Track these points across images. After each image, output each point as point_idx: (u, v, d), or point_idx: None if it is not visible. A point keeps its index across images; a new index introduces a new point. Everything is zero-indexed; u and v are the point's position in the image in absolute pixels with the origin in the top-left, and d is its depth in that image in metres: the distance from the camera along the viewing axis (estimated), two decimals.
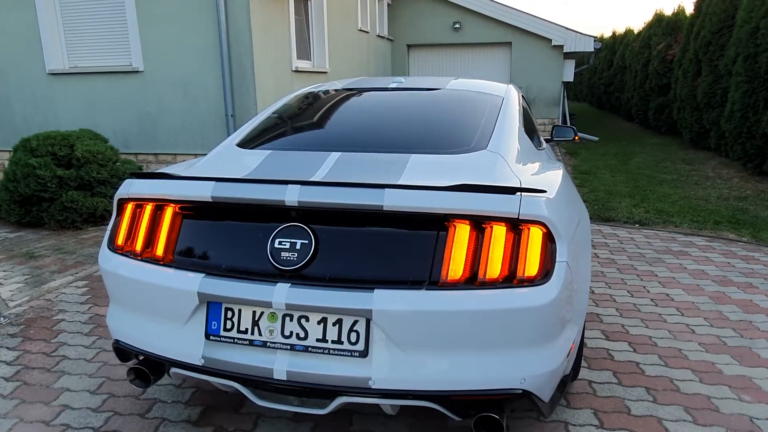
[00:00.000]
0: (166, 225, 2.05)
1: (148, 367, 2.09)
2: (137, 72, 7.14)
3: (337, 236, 1.86)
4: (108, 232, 2.22)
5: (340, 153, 2.27)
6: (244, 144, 2.58)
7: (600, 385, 2.72)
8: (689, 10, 16.25)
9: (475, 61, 13.25)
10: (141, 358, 2.17)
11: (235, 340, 1.88)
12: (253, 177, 2.08)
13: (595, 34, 13.11)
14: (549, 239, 1.82)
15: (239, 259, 1.91)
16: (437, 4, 12.90)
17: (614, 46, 20.83)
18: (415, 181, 1.99)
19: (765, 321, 3.44)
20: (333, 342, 1.81)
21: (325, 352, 1.81)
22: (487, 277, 1.79)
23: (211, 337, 1.91)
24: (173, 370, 2.03)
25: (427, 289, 1.77)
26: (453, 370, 1.78)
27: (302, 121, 2.73)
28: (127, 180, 2.16)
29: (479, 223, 1.81)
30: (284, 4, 7.58)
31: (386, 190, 1.80)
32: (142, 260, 2.06)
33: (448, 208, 1.78)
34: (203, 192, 1.95)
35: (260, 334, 1.86)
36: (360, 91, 3.04)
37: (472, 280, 1.79)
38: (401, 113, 2.67)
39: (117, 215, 2.21)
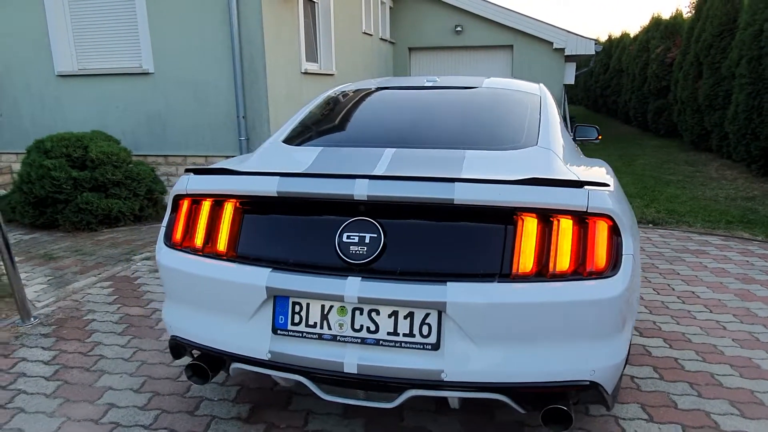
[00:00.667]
0: (227, 220, 2.05)
1: (207, 363, 2.08)
2: (147, 74, 7.11)
3: (406, 230, 1.87)
4: (164, 229, 2.22)
5: (394, 149, 2.29)
6: (291, 141, 2.59)
7: (642, 380, 2.74)
8: (686, 14, 16.44)
9: (477, 64, 13.32)
10: (198, 354, 2.17)
11: (304, 335, 1.89)
12: (315, 172, 2.09)
13: (594, 38, 13.22)
14: (614, 232, 1.84)
15: (306, 254, 1.92)
16: (438, 7, 12.96)
17: (610, 50, 20.99)
18: (477, 176, 2.01)
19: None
20: (404, 335, 1.81)
21: (397, 345, 1.82)
22: (557, 269, 1.80)
23: (279, 332, 1.91)
24: (234, 365, 2.03)
25: (499, 282, 1.78)
26: (524, 363, 1.79)
27: (346, 118, 2.74)
28: (184, 176, 2.16)
29: (546, 216, 1.83)
30: (294, 6, 7.59)
31: (456, 183, 1.81)
32: (203, 255, 2.06)
33: (518, 202, 1.79)
34: (268, 187, 1.95)
35: (329, 328, 1.87)
36: (397, 89, 3.06)
37: (542, 273, 1.80)
38: (446, 110, 2.68)
39: (173, 211, 2.21)
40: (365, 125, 2.61)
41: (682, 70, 11.61)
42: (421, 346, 1.81)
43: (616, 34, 21.60)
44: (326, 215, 1.93)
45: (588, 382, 1.82)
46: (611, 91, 20.23)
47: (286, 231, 1.97)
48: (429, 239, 1.85)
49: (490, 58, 13.20)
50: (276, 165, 2.27)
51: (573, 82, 12.82)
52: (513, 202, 1.80)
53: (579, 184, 1.81)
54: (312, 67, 8.44)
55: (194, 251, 2.09)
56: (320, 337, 1.87)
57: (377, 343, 1.83)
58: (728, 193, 7.52)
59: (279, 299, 1.92)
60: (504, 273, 1.80)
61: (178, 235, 2.16)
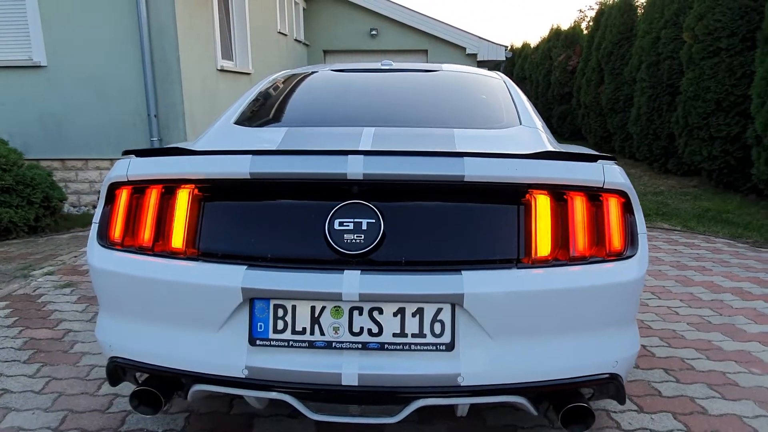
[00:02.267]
0: (182, 210, 1.68)
1: (159, 389, 1.69)
2: (39, 67, 6.28)
3: (408, 213, 1.61)
4: (96, 225, 1.80)
5: (373, 128, 2.02)
6: (245, 123, 2.24)
7: None
8: (582, 24, 17.55)
9: None
10: (144, 378, 1.76)
11: (290, 343, 1.56)
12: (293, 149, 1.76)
13: (504, 44, 13.70)
14: (627, 210, 1.70)
15: (289, 246, 1.60)
16: (353, 10, 12.82)
17: (514, 59, 21.98)
18: (471, 150, 1.79)
19: (734, 299, 3.61)
20: (413, 335, 1.55)
21: (405, 348, 1.55)
22: (576, 252, 1.63)
23: (258, 342, 1.58)
24: (196, 387, 1.66)
25: (518, 268, 1.57)
26: (546, 358, 1.59)
27: (307, 98, 2.44)
28: (123, 159, 1.76)
29: (560, 194, 1.65)
30: (207, 2, 7.08)
31: (466, 158, 1.58)
32: (153, 255, 1.67)
33: (534, 177, 1.60)
34: (238, 168, 1.61)
35: (323, 334, 1.56)
36: (357, 71, 2.79)
37: (560, 257, 1.62)
38: (418, 90, 2.47)
39: (107, 203, 1.79)
40: (333, 104, 2.32)
41: (585, 77, 12.27)
42: (434, 348, 1.55)
43: (518, 44, 22.66)
44: (311, 200, 1.63)
45: (609, 375, 1.65)
46: None
47: (261, 220, 1.64)
48: (436, 223, 1.60)
49: (405, 61, 13.24)
50: (237, 146, 1.92)
51: None
52: (529, 178, 1.60)
53: (593, 157, 1.66)
54: (228, 64, 7.93)
55: (140, 250, 1.70)
56: (311, 345, 1.56)
57: (381, 347, 1.55)
58: (638, 189, 7.95)
59: (257, 302, 1.58)
60: (521, 258, 1.60)
61: (117, 231, 1.75)
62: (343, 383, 1.53)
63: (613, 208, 1.68)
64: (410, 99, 2.37)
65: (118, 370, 1.75)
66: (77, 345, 2.95)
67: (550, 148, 1.94)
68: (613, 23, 10.85)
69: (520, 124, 2.19)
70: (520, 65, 20.40)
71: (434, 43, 12.80)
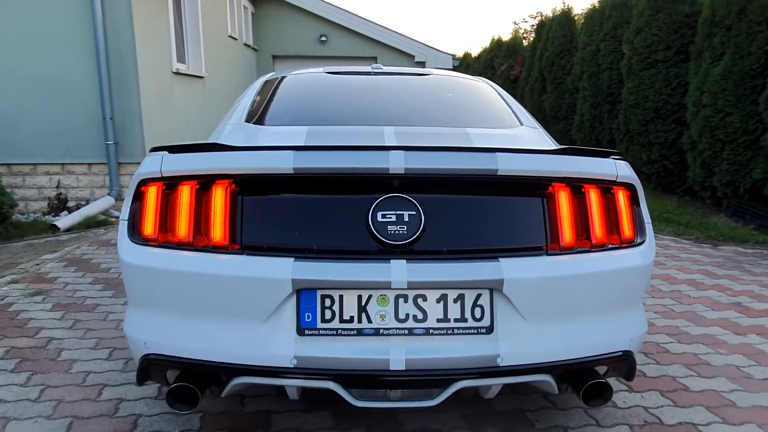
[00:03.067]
0: (221, 205, 1.70)
1: (197, 383, 1.69)
2: None
3: (445, 205, 1.71)
4: (126, 222, 1.78)
5: (392, 126, 2.11)
6: (259, 121, 2.27)
7: None
8: (522, 35, 18.28)
9: None
10: (178, 375, 1.76)
11: (339, 332, 1.62)
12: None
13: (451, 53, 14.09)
14: (634, 201, 1.87)
15: (335, 238, 1.66)
16: (303, 16, 12.82)
17: (456, 69, 22.59)
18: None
19: (690, 289, 3.94)
20: (456, 320, 1.65)
21: (449, 332, 1.64)
22: (595, 240, 1.78)
23: (306, 332, 1.62)
24: (238, 380, 1.68)
25: (548, 255, 1.70)
26: (573, 338, 1.73)
27: (315, 99, 2.49)
28: (154, 155, 1.75)
29: (578, 187, 1.80)
30: (162, 1, 6.92)
31: (498, 153, 1.70)
32: (194, 250, 1.68)
33: (559, 171, 1.74)
34: (281, 163, 1.65)
35: (370, 321, 1.63)
36: (352, 74, 2.87)
37: (584, 244, 1.77)
38: (419, 92, 2.57)
39: (136, 200, 1.78)
40: (344, 105, 2.39)
41: (528, 86, 12.82)
42: (475, 331, 1.65)
43: (459, 53, 23.29)
44: (353, 193, 1.69)
45: (624, 353, 1.81)
46: None
47: (305, 213, 1.68)
48: (472, 214, 1.71)
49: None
50: (264, 143, 1.95)
51: None
52: (554, 172, 1.74)
53: (606, 154, 1.82)
54: (182, 67, 7.76)
55: (179, 246, 1.70)
56: (359, 332, 1.62)
57: (427, 332, 1.64)
58: None
59: (304, 293, 1.63)
60: (549, 246, 1.73)
61: (149, 228, 1.74)
62: (391, 368, 1.61)
63: (623, 199, 1.85)
64: (415, 100, 2.47)
65: (152, 367, 1.74)
66: (64, 352, 2.84)
67: (559, 146, 2.09)
68: (554, 35, 11.42)
69: (521, 124, 2.35)
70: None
71: (383, 50, 13.00)
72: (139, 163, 5.40)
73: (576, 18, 11.53)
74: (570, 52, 10.99)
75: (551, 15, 12.28)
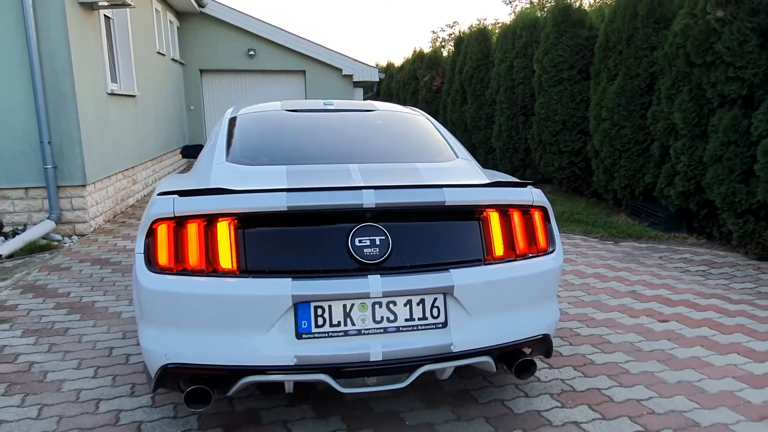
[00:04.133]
0: (227, 238, 2.09)
1: (210, 385, 2.08)
2: None
3: (406, 230, 2.19)
4: (142, 255, 2.12)
5: (356, 164, 2.57)
6: (240, 161, 2.65)
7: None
8: (436, 42, 19.22)
9: (272, 87, 13.64)
10: (190, 379, 2.12)
11: (329, 334, 2.06)
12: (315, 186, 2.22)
13: (375, 65, 14.67)
14: (546, 219, 2.45)
15: (323, 260, 2.09)
16: (230, 30, 12.95)
17: (381, 81, 23.23)
18: (437, 182, 2.43)
19: (596, 281, 4.66)
20: (419, 319, 2.13)
21: (414, 328, 2.12)
22: (519, 251, 2.33)
23: (303, 336, 2.05)
24: (247, 379, 2.07)
25: (485, 265, 2.23)
26: (506, 326, 2.26)
27: (284, 138, 2.89)
28: (165, 198, 2.11)
29: (505, 211, 2.35)
30: (96, 20, 6.99)
31: (445, 188, 2.21)
32: (206, 275, 2.06)
33: (490, 200, 2.27)
34: (276, 203, 2.07)
35: (353, 324, 2.08)
36: (309, 111, 3.29)
37: (510, 255, 2.31)
38: (370, 130, 3.04)
39: (149, 236, 2.13)
40: (311, 144, 2.81)
41: (450, 97, 13.64)
42: (434, 326, 2.15)
43: (383, 63, 23.99)
44: (335, 224, 2.14)
45: (543, 335, 2.37)
46: None
47: (297, 241, 2.11)
48: (428, 235, 2.20)
49: (284, 81, 13.65)
50: (250, 183, 2.35)
51: None
52: (487, 200, 2.27)
53: (524, 184, 2.37)
54: (115, 87, 7.80)
55: (193, 273, 2.07)
56: (346, 333, 2.07)
57: (397, 330, 2.11)
58: None
59: (300, 306, 2.05)
60: (486, 257, 2.26)
61: (164, 259, 2.10)
62: (371, 359, 2.07)
63: (538, 218, 2.41)
64: (369, 137, 2.94)
65: (171, 375, 2.09)
66: (50, 374, 3.07)
67: (486, 179, 2.63)
68: (472, 50, 12.27)
69: (457, 157, 2.88)
70: (386, 84, 21.70)
71: (312, 64, 13.38)
72: (81, 186, 5.62)
73: (492, 32, 12.42)
74: (487, 67, 11.87)
75: (468, 31, 13.18)
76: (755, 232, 5.16)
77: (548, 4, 27.21)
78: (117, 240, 6.19)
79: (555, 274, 2.38)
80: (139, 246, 2.14)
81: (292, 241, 2.12)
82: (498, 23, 27.77)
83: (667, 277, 4.75)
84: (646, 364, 3.13)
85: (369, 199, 2.12)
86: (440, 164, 2.73)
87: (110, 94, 7.39)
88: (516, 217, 2.35)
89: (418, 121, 3.37)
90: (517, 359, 2.30)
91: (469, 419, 2.58)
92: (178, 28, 12.68)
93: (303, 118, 3.18)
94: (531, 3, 28.25)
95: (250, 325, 2.04)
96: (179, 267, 2.09)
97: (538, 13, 10.46)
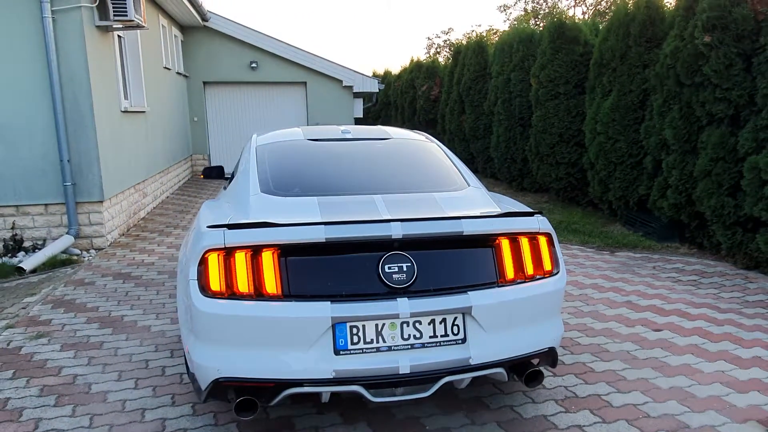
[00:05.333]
0: (271, 266, 2.37)
1: (256, 396, 2.35)
2: None
3: (429, 257, 2.48)
4: (195, 281, 2.39)
5: (380, 195, 2.85)
6: (274, 193, 2.92)
7: None
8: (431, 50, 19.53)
9: (273, 99, 13.92)
10: (237, 391, 2.39)
11: (363, 351, 2.34)
12: (334, 220, 2.51)
13: (373, 76, 14.97)
14: (551, 244, 2.74)
15: (356, 285, 2.38)
16: (233, 43, 13.23)
17: (380, 91, 23.55)
18: (458, 212, 2.71)
19: (594, 292, 4.96)
20: (441, 336, 2.41)
21: (437, 344, 2.41)
22: (528, 273, 2.62)
23: (341, 353, 2.33)
24: (289, 391, 2.35)
25: (498, 287, 2.51)
26: (518, 341, 2.55)
27: (311, 169, 3.17)
28: (215, 231, 2.39)
29: (514, 238, 2.63)
30: (111, 42, 7.26)
31: (463, 220, 2.49)
32: (255, 300, 2.33)
33: (502, 229, 2.56)
34: (316, 235, 2.35)
35: (384, 341, 2.36)
36: (330, 140, 3.57)
37: (520, 277, 2.60)
38: (389, 160, 3.33)
39: (201, 264, 2.40)
40: (335, 175, 3.09)
41: (448, 107, 13.97)
42: (454, 342, 2.43)
43: (380, 71, 24.32)
44: (367, 252, 2.42)
45: (550, 348, 2.66)
46: (381, 122, 22.77)
47: (334, 269, 2.39)
48: (447, 262, 2.49)
49: (286, 93, 13.93)
50: (287, 215, 2.63)
51: (362, 116, 14.31)
52: (498, 230, 2.56)
53: (531, 214, 2.67)
54: (127, 105, 8.06)
55: (242, 297, 2.35)
56: (378, 350, 2.35)
57: (423, 346, 2.39)
58: None
59: (338, 325, 2.33)
60: (499, 280, 2.54)
61: (216, 285, 2.37)
62: (400, 372, 2.35)
63: (543, 244, 2.70)
64: (388, 167, 3.23)
65: (222, 387, 2.37)
66: (94, 386, 3.33)
67: (497, 207, 2.91)
68: (470, 62, 12.61)
69: (468, 185, 3.17)
70: (384, 91, 22.04)
71: (313, 76, 13.67)
72: (98, 202, 5.93)
73: (486, 35, 12.72)
74: (484, 78, 12.20)
75: (466, 43, 13.51)
76: (743, 243, 5.48)
77: (542, 12, 27.66)
78: (134, 254, 6.45)
79: (559, 293, 2.67)
80: (192, 273, 2.41)
81: (329, 268, 2.40)
82: (492, 30, 28.24)
83: (660, 287, 5.05)
84: (642, 371, 3.42)
85: (397, 231, 2.40)
86: (454, 193, 3.02)
87: (124, 111, 7.65)
88: (525, 243, 2.63)
89: (431, 148, 3.66)
90: (527, 370, 2.58)
91: (483, 423, 2.87)
92: (182, 42, 12.95)
93: (324, 148, 3.46)
94: (525, 11, 28.68)
95: (293, 343, 2.32)
96: (229, 292, 2.37)
97: (532, 21, 10.78)
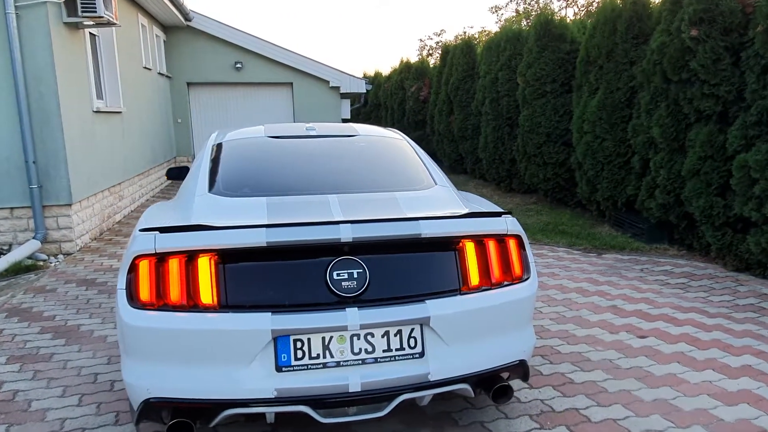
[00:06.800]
0: (207, 273, 2.14)
1: (192, 417, 2.11)
2: None
3: (384, 262, 2.25)
4: (124, 291, 2.16)
5: (335, 195, 2.62)
6: (222, 192, 2.69)
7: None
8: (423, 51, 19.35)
9: (259, 100, 13.69)
10: (173, 413, 2.16)
11: (309, 366, 2.10)
12: (282, 221, 2.29)
13: (361, 77, 14.76)
14: (521, 246, 2.51)
15: (301, 294, 2.14)
16: (217, 43, 12.99)
17: (368, 92, 23.36)
18: (418, 213, 2.49)
19: (578, 296, 4.74)
20: (396, 350, 2.18)
21: (391, 359, 2.18)
22: (494, 279, 2.39)
23: (283, 369, 2.09)
24: (228, 412, 2.11)
25: (461, 295, 2.29)
26: (483, 354, 2.32)
27: (265, 167, 2.94)
28: (146, 235, 2.15)
29: (480, 240, 2.41)
30: (81, 39, 7.00)
31: (421, 221, 2.27)
32: (188, 311, 2.10)
33: (465, 231, 2.34)
34: (256, 238, 2.12)
35: (332, 356, 2.13)
36: (291, 137, 3.34)
37: (486, 284, 2.37)
38: (351, 157, 3.10)
39: (131, 272, 2.17)
40: (290, 173, 2.86)
41: (437, 107, 13.76)
42: (411, 356, 2.20)
43: (370, 72, 24.13)
44: (312, 258, 2.19)
45: (520, 361, 2.43)
46: (372, 123, 22.56)
47: (276, 276, 2.16)
48: (404, 267, 2.26)
49: (272, 94, 13.70)
50: (231, 217, 2.40)
51: (349, 117, 14.09)
52: (462, 232, 2.33)
53: (499, 214, 2.44)
54: (101, 104, 7.81)
55: (174, 308, 2.11)
56: (324, 366, 2.12)
57: (375, 360, 2.16)
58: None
59: (280, 339, 2.10)
60: (461, 288, 2.32)
61: (146, 295, 2.14)
62: (350, 390, 2.11)
63: (512, 246, 2.47)
64: (350, 166, 2.99)
65: (154, 409, 2.13)
66: (34, 403, 3.08)
67: (465, 208, 2.69)
68: (458, 62, 12.41)
69: (436, 184, 2.94)
70: (374, 93, 21.83)
71: (299, 76, 13.44)
72: (66, 205, 5.63)
73: (478, 36, 12.53)
74: (473, 78, 12.01)
75: (455, 43, 13.32)
76: (732, 245, 5.28)
77: (533, 13, 27.53)
78: (103, 259, 6.19)
79: (530, 300, 2.44)
80: (121, 282, 2.18)
81: (272, 276, 2.16)
82: (484, 31, 28.08)
83: (647, 291, 4.83)
84: (624, 381, 3.20)
85: (346, 234, 2.17)
86: (419, 192, 2.79)
87: (96, 111, 7.40)
88: (491, 246, 2.41)
89: (398, 145, 3.44)
90: (495, 384, 2.36)
91: None
92: (164, 42, 12.70)
93: (285, 145, 3.23)
94: (517, 12, 28.53)
95: (230, 359, 2.08)
96: (160, 302, 2.13)
97: (524, 23, 10.59)
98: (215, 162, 3.05)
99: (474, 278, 2.35)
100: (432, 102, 14.37)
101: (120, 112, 8.62)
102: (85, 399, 3.11)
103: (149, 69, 10.88)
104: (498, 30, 12.11)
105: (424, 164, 3.18)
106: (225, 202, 2.59)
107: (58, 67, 6.12)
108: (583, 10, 25.80)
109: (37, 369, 3.49)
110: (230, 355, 2.08)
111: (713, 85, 5.19)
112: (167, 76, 12.71)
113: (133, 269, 2.16)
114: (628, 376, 3.28)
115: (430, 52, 33.53)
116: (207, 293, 2.12)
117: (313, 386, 2.09)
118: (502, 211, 2.46)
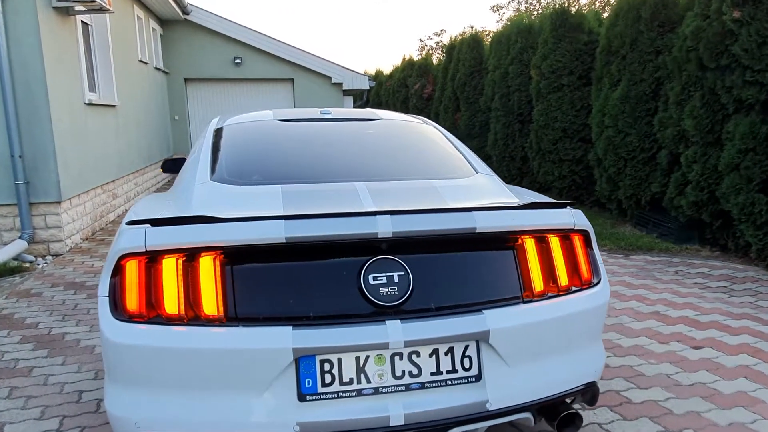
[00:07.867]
0: (210, 277, 1.70)
1: None
2: None
3: (430, 264, 1.82)
4: (107, 298, 1.73)
5: (363, 183, 2.19)
6: (228, 180, 2.26)
7: None
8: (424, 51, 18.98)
9: (259, 96, 13.26)
10: None
11: (339, 394, 1.67)
12: (299, 213, 1.86)
13: (364, 73, 14.35)
14: (588, 245, 2.09)
15: (328, 303, 1.71)
16: (215, 38, 12.56)
17: (371, 88, 22.94)
18: (461, 203, 2.06)
19: (614, 301, 4.32)
20: (448, 372, 1.76)
21: (442, 384, 1.75)
22: (561, 284, 1.96)
23: (307, 398, 1.66)
24: None
25: (524, 303, 1.86)
26: (550, 375, 1.89)
27: (278, 152, 2.51)
28: (135, 229, 1.72)
29: (542, 237, 1.98)
30: (72, 27, 6.57)
31: (476, 213, 1.84)
32: (186, 325, 1.67)
33: (528, 225, 1.91)
34: (273, 233, 1.69)
35: (369, 381, 1.69)
36: (304, 120, 2.91)
37: (553, 290, 1.94)
38: (377, 142, 2.67)
39: (115, 275, 1.73)
40: (308, 159, 2.43)
41: (442, 104, 13.34)
42: (465, 380, 1.77)
43: (371, 70, 23.72)
44: (343, 257, 1.76)
45: (590, 383, 2.00)
46: None
47: (297, 281, 1.72)
48: (455, 269, 1.83)
49: (272, 90, 13.27)
50: (239, 208, 1.97)
51: None
52: (523, 226, 1.90)
53: (564, 205, 2.01)
54: (93, 97, 7.37)
55: (169, 321, 1.68)
56: (359, 393, 1.68)
57: (422, 386, 1.73)
58: None
59: (303, 360, 1.67)
60: (524, 294, 1.89)
61: (134, 304, 1.70)
62: (391, 424, 1.68)
63: (578, 245, 2.05)
64: (376, 151, 2.57)
65: None
66: (7, 427, 2.65)
67: (515, 198, 2.27)
68: (465, 57, 11.99)
69: (477, 172, 2.52)
70: (375, 91, 21.40)
71: (300, 72, 13.02)
72: (56, 202, 5.10)
73: (484, 37, 12.15)
74: (480, 74, 11.59)
75: (461, 37, 12.91)
76: None
77: (536, 12, 27.16)
78: (94, 260, 5.75)
79: (602, 309, 2.02)
80: (103, 287, 1.74)
81: (292, 281, 1.73)
82: (485, 31, 27.63)
83: (688, 295, 4.42)
84: (690, 402, 2.78)
85: (385, 227, 1.73)
86: (459, 180, 2.37)
87: (88, 104, 6.96)
88: (555, 244, 1.98)
89: (427, 130, 3.01)
90: (561, 412, 1.93)
91: None
92: (161, 35, 12.27)
93: (298, 128, 2.80)
94: (518, 11, 28.17)
95: (240, 386, 1.65)
96: (152, 314, 1.70)
97: (526, 21, 10.19)
98: (217, 147, 2.62)
99: (538, 283, 1.92)
100: (437, 99, 13.96)
101: (114, 106, 8.18)
102: (66, 422, 2.68)
103: (145, 63, 10.44)
104: (501, 29, 11.70)
105: (459, 150, 2.76)
106: (231, 191, 2.16)
107: (47, 55, 5.69)
108: (591, 5, 25.44)
109: (14, 385, 3.06)
110: (240, 381, 1.64)
111: (757, 71, 4.78)
112: (164, 72, 12.27)
113: (118, 271, 1.73)
114: (693, 394, 2.85)
115: (431, 51, 33.11)
116: (210, 302, 1.69)
117: (344, 419, 1.65)
118: (566, 201, 2.04)
